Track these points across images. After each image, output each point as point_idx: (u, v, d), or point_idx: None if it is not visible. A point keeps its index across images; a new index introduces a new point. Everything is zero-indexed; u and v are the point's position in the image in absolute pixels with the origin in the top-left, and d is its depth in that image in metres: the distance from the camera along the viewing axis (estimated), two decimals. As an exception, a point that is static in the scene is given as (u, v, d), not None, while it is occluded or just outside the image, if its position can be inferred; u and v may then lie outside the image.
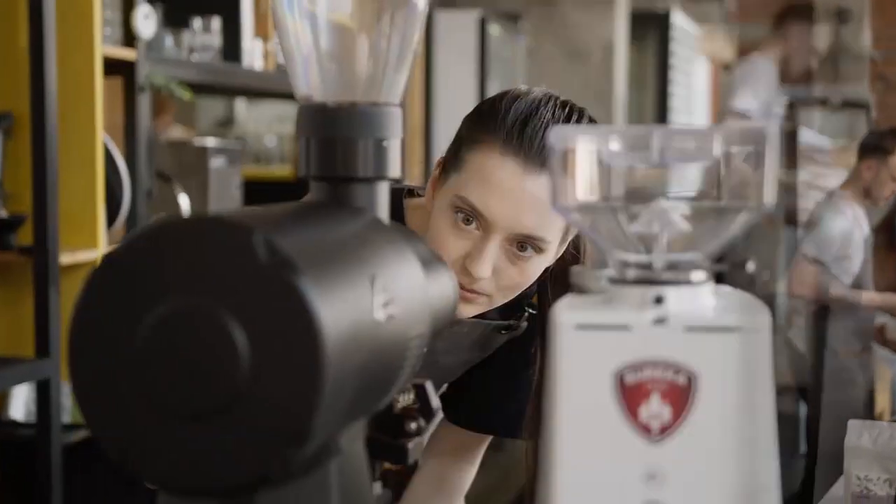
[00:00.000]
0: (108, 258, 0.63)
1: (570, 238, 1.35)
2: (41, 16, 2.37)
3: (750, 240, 4.37)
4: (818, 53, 4.57)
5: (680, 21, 7.42)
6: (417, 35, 0.81)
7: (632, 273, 0.70)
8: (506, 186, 1.23)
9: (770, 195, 0.68)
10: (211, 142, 3.26)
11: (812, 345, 4.56)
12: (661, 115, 7.40)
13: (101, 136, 2.55)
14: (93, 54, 2.52)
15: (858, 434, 1.79)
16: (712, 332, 0.67)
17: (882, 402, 4.60)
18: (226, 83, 3.31)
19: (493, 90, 6.47)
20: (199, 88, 3.27)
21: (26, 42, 2.39)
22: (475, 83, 4.97)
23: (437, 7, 4.91)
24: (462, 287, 1.25)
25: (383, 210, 0.79)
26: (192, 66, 3.02)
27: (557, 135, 0.70)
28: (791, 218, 4.78)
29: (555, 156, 0.70)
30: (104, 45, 2.60)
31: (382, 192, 0.79)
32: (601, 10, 5.44)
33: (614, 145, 0.70)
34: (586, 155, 0.70)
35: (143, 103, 2.70)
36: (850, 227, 4.34)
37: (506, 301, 1.32)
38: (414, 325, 0.74)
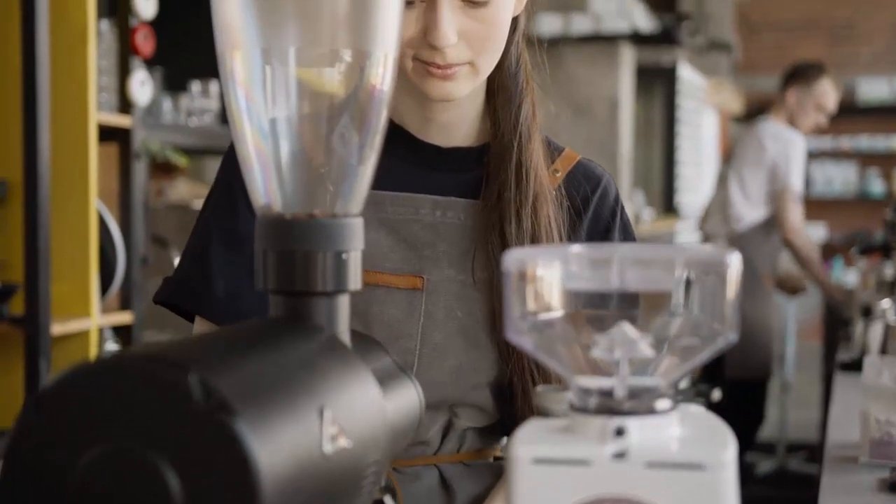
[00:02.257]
0: (41, 397, 0.60)
1: None
2: (35, 82, 2.36)
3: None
4: (827, 111, 4.58)
5: (687, 74, 7.42)
6: (378, 145, 0.79)
7: (593, 401, 0.67)
8: None
9: (733, 325, 0.65)
10: (210, 204, 3.24)
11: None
12: (669, 167, 7.38)
13: (94, 204, 2.54)
14: (87, 121, 2.51)
15: (877, 371, 1.62)
16: (675, 468, 0.64)
17: None
18: (223, 147, 3.30)
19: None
20: (200, 149, 3.26)
21: (20, 109, 2.39)
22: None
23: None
24: (437, 66, 1.17)
25: (343, 324, 0.77)
26: (189, 131, 3.01)
27: (514, 257, 0.68)
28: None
29: (510, 278, 0.68)
30: (100, 112, 2.59)
31: (342, 305, 0.77)
32: (606, 66, 5.44)
33: (572, 268, 0.68)
34: (543, 278, 0.68)
35: (139, 170, 2.69)
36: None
37: (493, 65, 1.22)
38: (369, 452, 0.71)
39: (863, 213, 9.93)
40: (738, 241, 4.51)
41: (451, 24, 1.15)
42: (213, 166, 4.57)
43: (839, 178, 10.22)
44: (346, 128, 0.79)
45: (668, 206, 7.26)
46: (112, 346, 2.84)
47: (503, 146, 1.26)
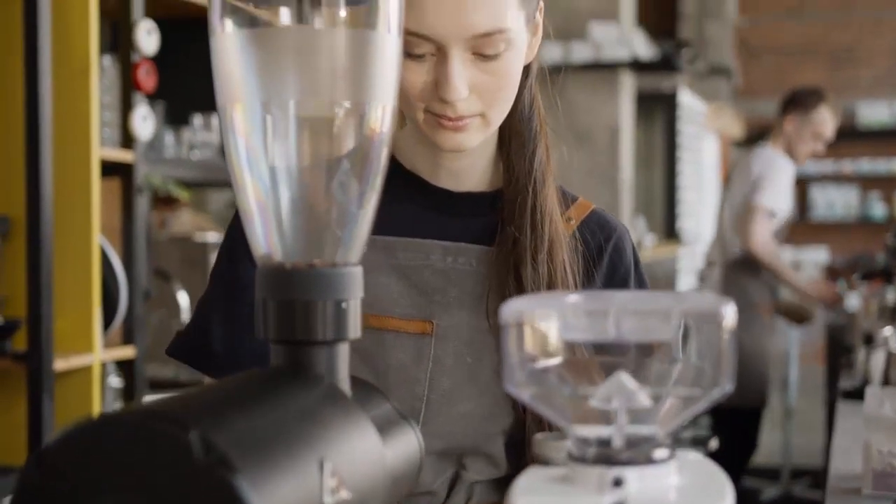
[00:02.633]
0: (42, 453, 0.61)
1: (538, 16, 1.24)
2: (38, 118, 2.38)
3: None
4: (824, 139, 4.58)
5: (687, 99, 7.45)
6: (377, 191, 0.80)
7: (591, 451, 0.68)
8: None
9: (729, 375, 0.66)
10: (212, 237, 3.26)
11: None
12: (670, 192, 7.40)
13: (97, 239, 2.55)
14: (90, 157, 2.53)
15: (879, 401, 1.61)
16: (673, 519, 0.64)
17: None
18: (226, 180, 3.33)
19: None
20: (202, 182, 3.28)
21: (23, 145, 2.40)
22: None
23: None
24: (448, 118, 1.16)
25: (343, 372, 0.77)
26: (191, 164, 3.02)
27: (511, 308, 0.69)
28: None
29: (508, 329, 0.68)
30: (102, 148, 2.60)
31: (342, 353, 0.77)
32: (607, 93, 5.46)
33: (570, 319, 0.68)
34: (540, 329, 0.68)
35: (141, 204, 2.71)
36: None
37: (504, 115, 1.21)
38: (369, 502, 0.71)
39: (864, 237, 9.94)
40: (732, 268, 4.51)
41: (461, 77, 1.14)
42: (215, 198, 4.61)
43: (841, 202, 10.24)
44: (346, 175, 0.80)
45: (669, 231, 7.28)
46: (115, 380, 2.85)
47: (518, 191, 1.25)
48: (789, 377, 5.67)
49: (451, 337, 1.22)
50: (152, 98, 2.83)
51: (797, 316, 4.94)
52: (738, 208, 4.49)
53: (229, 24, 0.77)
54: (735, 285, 4.49)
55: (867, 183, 10.21)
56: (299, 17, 0.90)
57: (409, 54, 1.15)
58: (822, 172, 10.20)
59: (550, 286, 1.21)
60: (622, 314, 0.67)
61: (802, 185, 10.30)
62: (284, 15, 0.89)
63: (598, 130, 5.48)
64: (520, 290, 1.21)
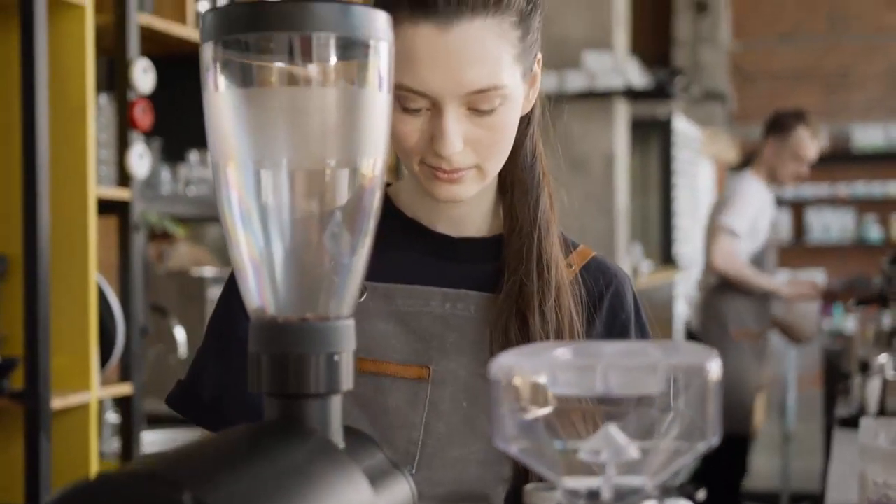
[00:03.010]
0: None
1: (535, 67, 1.23)
2: (35, 156, 2.39)
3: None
4: (806, 160, 4.57)
5: (682, 125, 7.48)
6: (368, 247, 0.81)
7: (580, 503, 0.69)
8: (427, 53, 1.12)
9: (715, 428, 0.67)
10: (209, 271, 3.27)
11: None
12: (666, 218, 7.42)
13: (94, 277, 2.56)
14: (87, 195, 2.54)
15: (873, 433, 1.60)
16: (660, 572, 0.65)
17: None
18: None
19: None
20: (199, 218, 3.29)
21: (20, 183, 2.41)
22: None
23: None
24: (444, 171, 1.17)
25: (335, 423, 0.79)
26: (188, 200, 3.04)
27: (500, 364, 0.70)
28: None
29: (497, 385, 0.69)
30: (99, 186, 2.62)
31: (335, 406, 0.79)
32: (602, 121, 5.49)
33: (558, 374, 0.69)
34: (529, 384, 0.69)
35: (138, 241, 2.72)
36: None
37: (500, 165, 1.21)
38: (362, 555, 0.72)
39: (861, 260, 9.96)
40: (711, 293, 4.53)
41: (456, 132, 1.15)
42: (212, 232, 4.62)
43: (837, 225, 10.26)
44: (339, 228, 0.81)
45: (666, 257, 7.29)
46: (112, 416, 2.85)
47: (522, 238, 1.25)
48: (787, 402, 5.67)
49: (448, 382, 1.23)
50: (149, 135, 2.85)
51: (795, 336, 4.94)
52: (705, 231, 4.55)
53: (222, 83, 0.78)
54: (713, 310, 4.51)
55: (863, 206, 10.23)
56: (291, 74, 0.92)
57: (404, 108, 1.15)
58: (818, 196, 10.22)
59: (558, 334, 1.21)
60: (610, 369, 0.69)
61: (798, 208, 10.33)
62: (276, 71, 0.91)
63: (593, 158, 5.50)
64: (526, 337, 1.21)
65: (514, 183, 1.28)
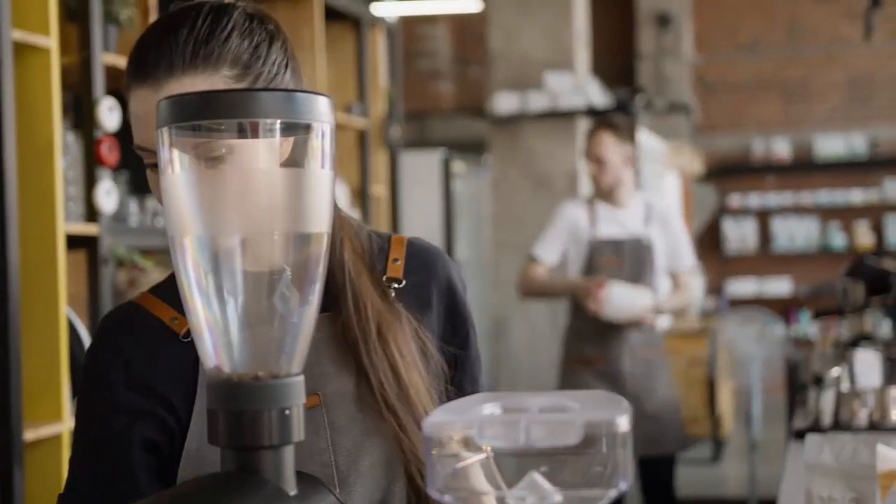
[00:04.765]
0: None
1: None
2: (3, 195, 2.44)
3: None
4: (591, 156, 4.19)
5: (646, 139, 7.58)
6: (314, 309, 0.88)
7: (506, 546, 0.76)
8: (144, 112, 1.19)
9: (625, 476, 0.75)
10: (178, 299, 3.32)
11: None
12: (632, 231, 7.50)
13: (64, 311, 2.61)
14: (55, 231, 2.60)
15: (818, 449, 1.65)
16: None
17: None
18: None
19: (458, 222, 6.59)
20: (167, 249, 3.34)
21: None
22: (440, 217, 5.08)
23: (404, 147, 5.03)
24: None
25: (288, 472, 0.86)
26: (156, 232, 3.10)
27: (431, 422, 0.77)
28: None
29: (429, 441, 0.77)
30: (67, 222, 2.67)
31: (288, 456, 0.86)
32: (564, 140, 5.59)
33: (486, 430, 0.77)
34: (459, 439, 0.77)
35: (106, 275, 2.78)
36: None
37: None
38: None
39: (826, 267, 10.10)
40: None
41: None
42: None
43: (801, 233, 10.41)
44: (288, 290, 0.89)
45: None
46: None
47: (337, 287, 1.28)
48: (752, 410, 5.77)
49: (338, 402, 1.27)
50: (115, 170, 2.91)
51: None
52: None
53: (177, 165, 0.86)
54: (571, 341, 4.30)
55: (826, 214, 10.39)
56: (240, 155, 0.99)
57: (146, 166, 1.21)
58: (783, 205, 10.38)
59: (394, 371, 1.26)
60: (532, 424, 0.76)
61: (764, 217, 10.48)
62: (226, 153, 0.98)
63: (556, 176, 5.59)
64: (365, 373, 1.27)
65: None
